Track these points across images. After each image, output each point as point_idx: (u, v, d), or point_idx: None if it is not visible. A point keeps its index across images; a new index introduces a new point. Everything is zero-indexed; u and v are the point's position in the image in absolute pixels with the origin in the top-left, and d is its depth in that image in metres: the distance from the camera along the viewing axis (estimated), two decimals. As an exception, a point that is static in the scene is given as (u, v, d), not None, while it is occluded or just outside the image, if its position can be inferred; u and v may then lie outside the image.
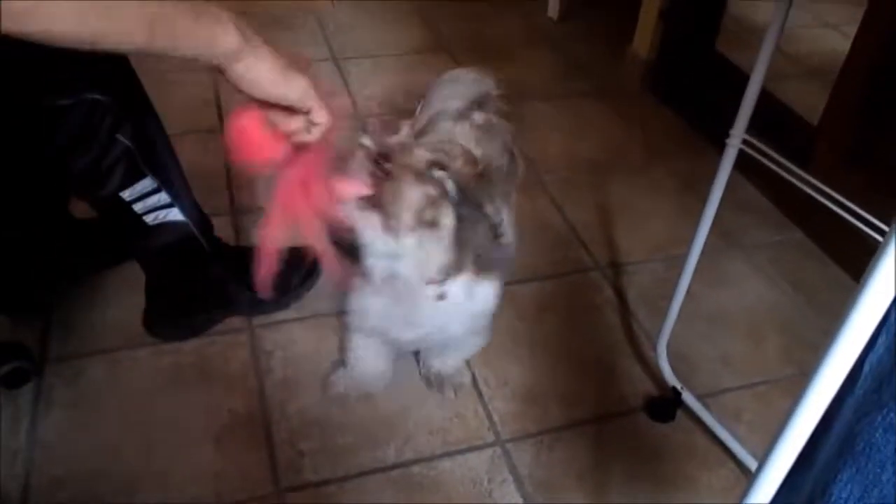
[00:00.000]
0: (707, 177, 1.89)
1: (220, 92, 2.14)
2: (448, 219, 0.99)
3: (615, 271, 1.66)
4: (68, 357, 1.38)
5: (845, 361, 0.50)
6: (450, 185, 0.99)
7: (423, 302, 1.10)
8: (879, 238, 0.98)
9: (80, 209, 1.43)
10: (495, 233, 1.05)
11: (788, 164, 1.07)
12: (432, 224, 0.98)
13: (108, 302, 1.49)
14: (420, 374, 1.40)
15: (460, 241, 1.01)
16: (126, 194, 1.23)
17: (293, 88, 0.80)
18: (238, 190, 1.79)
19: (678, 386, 1.35)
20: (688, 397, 1.34)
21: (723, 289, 1.63)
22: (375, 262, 1.05)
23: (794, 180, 1.06)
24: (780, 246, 1.76)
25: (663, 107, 2.25)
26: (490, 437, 1.30)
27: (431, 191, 0.97)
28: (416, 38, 2.53)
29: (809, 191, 1.05)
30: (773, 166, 1.09)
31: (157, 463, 1.22)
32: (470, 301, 1.13)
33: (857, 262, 1.63)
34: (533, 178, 1.92)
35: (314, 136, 0.86)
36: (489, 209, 1.02)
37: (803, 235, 1.78)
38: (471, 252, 1.04)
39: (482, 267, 1.08)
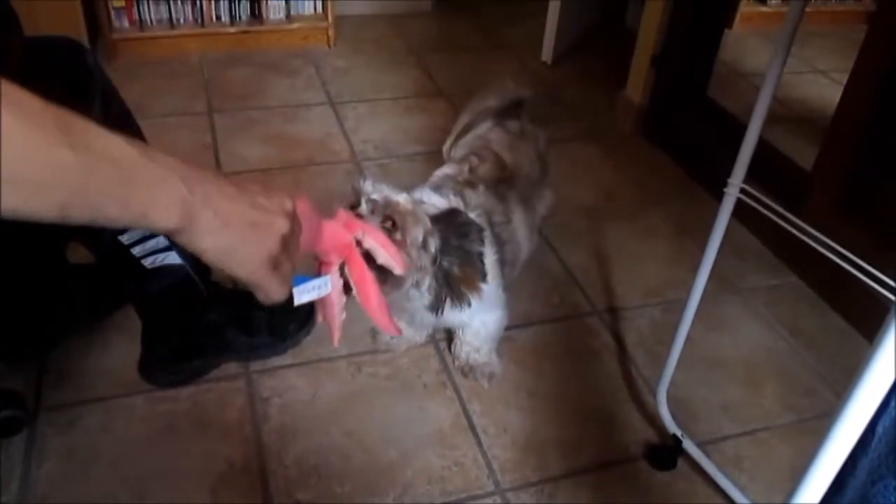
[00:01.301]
0: (701, 220, 1.92)
1: (217, 136, 2.16)
2: (432, 245, 1.08)
3: (613, 316, 1.66)
4: (62, 405, 1.37)
5: (857, 424, 0.50)
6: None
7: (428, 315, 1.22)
8: (875, 286, 0.99)
9: (77, 255, 1.42)
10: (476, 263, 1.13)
11: (785, 213, 1.07)
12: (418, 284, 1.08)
13: (102, 349, 1.48)
14: (454, 365, 1.49)
15: (437, 285, 1.11)
16: (125, 238, 1.23)
17: (246, 264, 0.63)
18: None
19: (679, 434, 1.34)
20: (688, 445, 1.33)
21: (720, 334, 1.63)
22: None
23: (791, 229, 1.07)
24: (776, 291, 1.77)
25: (656, 151, 2.28)
26: (490, 486, 1.29)
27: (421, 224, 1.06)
28: (412, 83, 2.56)
29: (806, 239, 1.06)
30: (771, 215, 1.10)
31: (151, 515, 1.20)
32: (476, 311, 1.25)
33: (854, 309, 1.64)
34: (529, 222, 1.93)
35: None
36: (507, 229, 1.14)
37: (799, 280, 1.79)
38: (447, 289, 1.13)
39: (460, 300, 1.16)
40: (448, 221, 1.12)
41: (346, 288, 0.84)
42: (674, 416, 1.38)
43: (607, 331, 1.62)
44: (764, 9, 3.22)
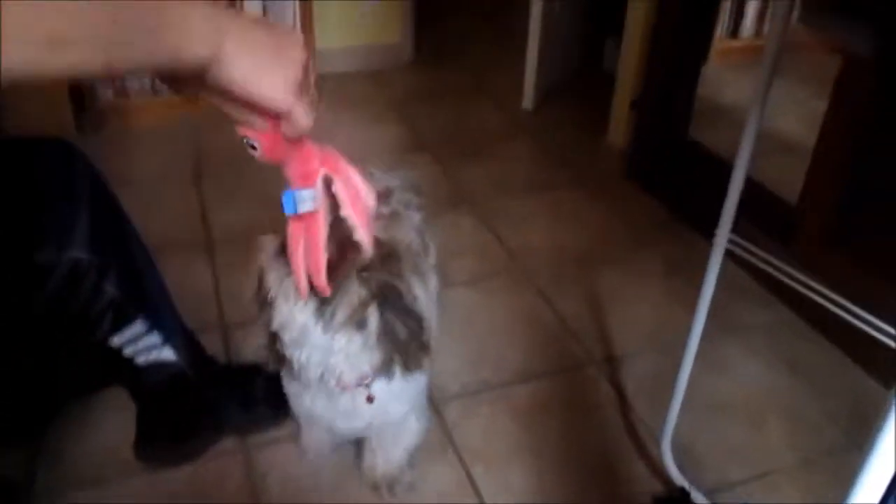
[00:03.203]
0: (691, 260, 1.92)
1: (205, 203, 2.16)
2: (374, 320, 0.98)
3: (611, 365, 1.65)
4: (56, 488, 1.33)
5: (872, 496, 0.49)
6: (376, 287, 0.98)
7: (353, 400, 1.12)
8: (864, 328, 0.98)
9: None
10: (422, 330, 1.02)
11: (773, 260, 1.08)
12: (361, 324, 0.98)
13: (96, 427, 1.45)
14: (363, 478, 1.36)
15: (386, 343, 1.01)
16: (115, 340, 1.20)
17: (276, 87, 0.68)
18: (226, 304, 1.77)
19: (686, 486, 1.32)
20: (696, 496, 1.31)
21: (720, 375, 1.62)
22: (308, 354, 1.01)
23: (780, 276, 1.07)
24: (772, 327, 1.77)
25: (643, 193, 2.29)
26: (498, 551, 1.26)
27: (364, 292, 0.97)
28: (396, 138, 2.58)
29: (795, 285, 1.06)
30: (759, 262, 1.11)
31: None
32: (399, 399, 1.16)
33: (852, 342, 1.63)
34: (519, 273, 1.93)
35: (294, 134, 0.76)
36: (417, 305, 1.00)
37: (795, 315, 1.78)
38: (397, 354, 1.03)
39: (409, 365, 1.05)
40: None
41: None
42: (679, 465, 1.36)
43: (606, 381, 1.61)
44: (736, 43, 3.27)
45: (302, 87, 0.71)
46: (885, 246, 1.59)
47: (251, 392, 1.44)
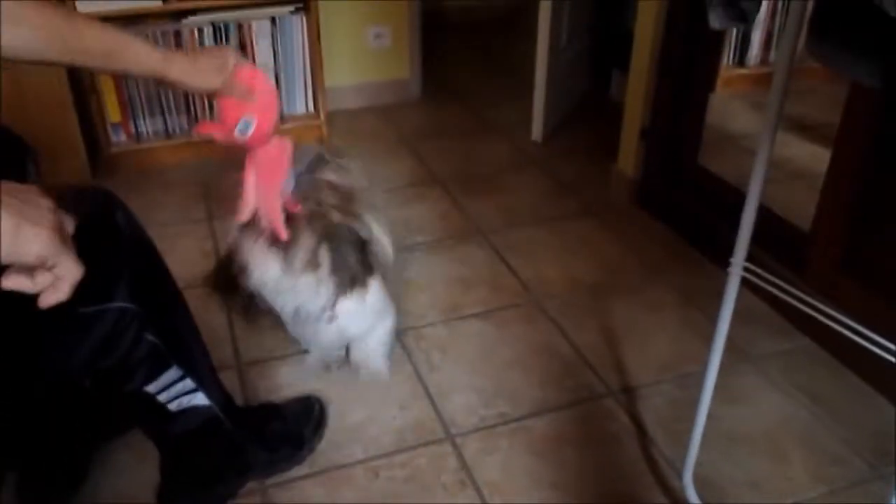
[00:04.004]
0: (706, 289, 1.91)
1: (218, 243, 2.17)
2: (326, 259, 1.34)
3: (628, 396, 1.64)
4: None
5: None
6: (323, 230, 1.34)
7: (321, 326, 1.47)
8: (883, 354, 0.98)
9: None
10: (367, 249, 1.41)
11: (788, 287, 1.07)
12: (316, 265, 1.32)
13: (117, 474, 1.45)
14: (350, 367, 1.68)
15: (339, 271, 1.36)
16: (151, 388, 1.19)
17: (30, 248, 0.70)
18: (241, 342, 1.78)
19: (709, 519, 1.30)
20: (720, 529, 1.29)
21: (738, 406, 1.60)
22: (283, 300, 1.39)
23: (795, 303, 1.07)
24: (790, 355, 1.75)
25: (654, 222, 2.29)
26: (520, 590, 1.24)
27: (312, 238, 1.31)
28: (407, 172, 2.60)
29: (813, 312, 1.05)
30: (775, 290, 1.10)
31: None
32: (359, 316, 1.50)
33: (872, 369, 1.61)
34: (533, 305, 1.93)
35: (62, 292, 0.75)
36: (362, 230, 1.39)
37: (812, 343, 1.77)
38: (348, 277, 1.39)
39: (357, 284, 1.43)
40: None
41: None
42: (702, 499, 1.34)
43: (624, 412, 1.60)
44: (743, 70, 3.29)
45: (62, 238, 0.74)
46: (901, 271, 1.58)
47: (271, 433, 1.44)
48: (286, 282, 1.35)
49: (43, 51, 0.98)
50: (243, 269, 1.34)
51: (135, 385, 1.17)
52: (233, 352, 1.76)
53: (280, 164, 1.31)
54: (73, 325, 1.03)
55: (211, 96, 1.17)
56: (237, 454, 1.39)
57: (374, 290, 1.53)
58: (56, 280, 0.73)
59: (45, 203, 0.73)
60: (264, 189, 1.31)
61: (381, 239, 1.47)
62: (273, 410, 1.51)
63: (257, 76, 1.18)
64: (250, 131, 1.19)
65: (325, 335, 1.54)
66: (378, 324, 1.62)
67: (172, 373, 1.20)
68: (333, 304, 1.43)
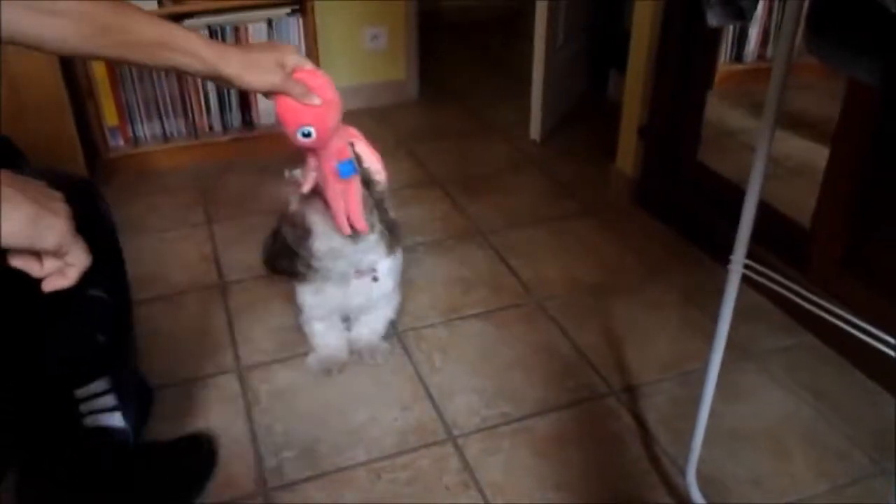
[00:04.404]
0: (706, 287, 1.91)
1: (217, 245, 2.17)
2: (378, 226, 1.46)
3: (630, 395, 1.63)
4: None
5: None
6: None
7: (364, 283, 1.60)
8: (885, 349, 0.97)
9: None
10: (395, 226, 1.54)
11: (789, 284, 1.07)
12: (373, 227, 1.43)
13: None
14: (350, 348, 1.74)
15: (384, 237, 1.49)
16: (80, 392, 1.14)
17: (48, 236, 0.74)
18: (241, 346, 1.78)
19: (713, 517, 1.30)
20: (724, 528, 1.29)
21: (741, 403, 1.60)
22: (339, 262, 1.50)
23: (796, 299, 1.06)
24: (792, 351, 1.75)
25: (654, 220, 2.29)
26: (524, 591, 1.24)
27: (367, 204, 1.40)
28: (405, 173, 2.60)
29: (813, 308, 1.05)
30: (776, 286, 1.10)
31: None
32: (390, 274, 1.65)
33: (875, 364, 1.61)
34: (533, 305, 1.92)
35: (69, 278, 0.79)
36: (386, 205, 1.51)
37: (815, 339, 1.76)
38: (391, 241, 1.52)
39: (395, 246, 1.57)
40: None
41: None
42: (706, 497, 1.34)
43: (627, 411, 1.59)
44: (741, 67, 3.29)
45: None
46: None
47: (161, 473, 1.40)
48: (348, 249, 1.45)
49: (78, 44, 0.89)
50: (306, 235, 1.43)
51: (67, 385, 1.13)
52: (233, 356, 1.75)
53: (343, 154, 1.27)
54: (48, 305, 1.00)
55: (267, 95, 1.07)
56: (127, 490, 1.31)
57: (399, 257, 1.68)
58: (65, 266, 0.77)
59: (58, 194, 0.77)
60: (349, 198, 1.32)
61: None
62: (163, 449, 1.46)
63: (318, 78, 1.11)
64: (312, 138, 1.14)
65: (363, 293, 1.62)
66: (392, 295, 1.72)
67: (102, 383, 1.15)
68: (376, 265, 1.58)
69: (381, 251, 1.52)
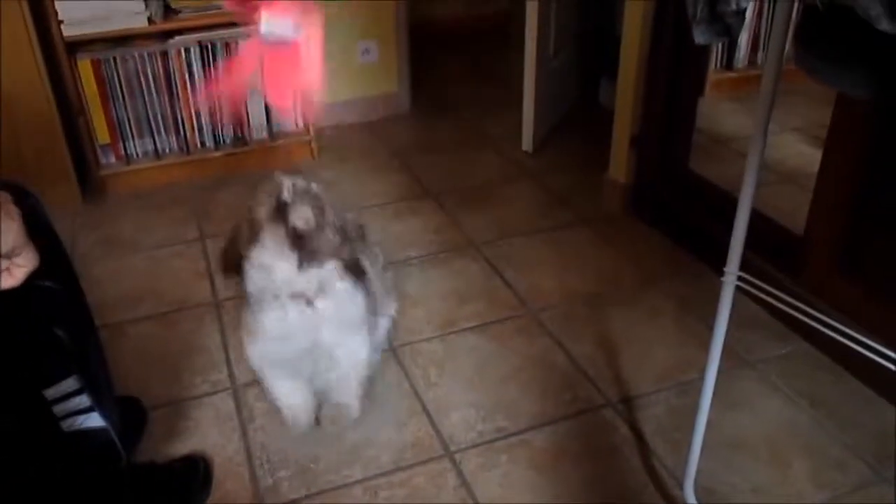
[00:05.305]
0: (701, 295, 1.91)
1: (211, 263, 2.16)
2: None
3: (627, 406, 1.63)
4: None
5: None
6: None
7: (303, 311, 1.39)
8: (879, 360, 0.97)
9: None
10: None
11: (785, 297, 1.07)
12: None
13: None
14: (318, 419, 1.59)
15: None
16: (50, 392, 1.12)
17: (6, 239, 0.77)
18: (236, 364, 1.76)
19: (712, 530, 1.29)
20: (724, 540, 1.28)
21: (738, 412, 1.59)
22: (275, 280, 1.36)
23: (790, 311, 1.06)
24: (788, 359, 1.74)
25: (647, 229, 2.29)
26: None
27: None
28: (398, 186, 2.59)
29: (806, 319, 1.05)
30: (769, 298, 1.10)
31: None
32: (341, 305, 1.43)
33: (871, 372, 1.60)
34: (529, 317, 1.92)
35: (17, 278, 0.81)
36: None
37: (811, 346, 1.76)
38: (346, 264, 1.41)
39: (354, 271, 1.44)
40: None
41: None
42: (704, 509, 1.33)
43: (624, 422, 1.59)
44: (731, 74, 3.30)
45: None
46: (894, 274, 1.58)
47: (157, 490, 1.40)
48: (281, 263, 1.34)
49: None
50: (252, 241, 1.34)
51: (35, 384, 1.11)
52: (228, 374, 1.74)
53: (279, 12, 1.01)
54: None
55: None
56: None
57: (360, 297, 1.47)
58: (14, 267, 0.79)
59: (7, 196, 0.79)
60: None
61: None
62: (157, 470, 1.45)
63: None
64: (285, 33, 0.98)
65: (308, 326, 1.41)
66: (357, 338, 1.52)
67: (71, 382, 1.13)
68: (317, 294, 1.39)
69: (323, 275, 1.37)
